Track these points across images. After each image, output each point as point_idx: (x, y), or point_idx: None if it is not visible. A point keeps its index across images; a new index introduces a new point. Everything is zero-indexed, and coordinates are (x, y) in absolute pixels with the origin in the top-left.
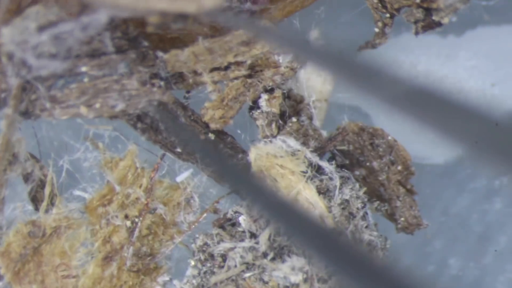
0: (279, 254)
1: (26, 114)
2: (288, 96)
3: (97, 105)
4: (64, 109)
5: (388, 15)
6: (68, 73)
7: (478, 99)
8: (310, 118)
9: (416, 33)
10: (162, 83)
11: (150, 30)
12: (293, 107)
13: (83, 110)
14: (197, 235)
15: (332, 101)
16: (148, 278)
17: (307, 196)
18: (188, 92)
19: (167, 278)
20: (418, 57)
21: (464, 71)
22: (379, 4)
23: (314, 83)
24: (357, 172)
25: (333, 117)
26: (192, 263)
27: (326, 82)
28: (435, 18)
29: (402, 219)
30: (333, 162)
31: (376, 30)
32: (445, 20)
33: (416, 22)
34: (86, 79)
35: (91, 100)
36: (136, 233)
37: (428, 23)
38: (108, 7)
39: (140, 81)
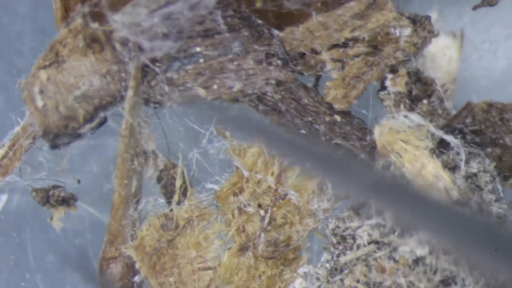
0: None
1: (147, 100)
2: (417, 79)
3: (215, 86)
4: (182, 92)
5: None
6: (182, 54)
7: None
8: (441, 100)
9: None
10: (279, 61)
11: (259, 5)
12: (423, 90)
13: (201, 91)
14: (330, 220)
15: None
16: (288, 269)
17: (431, 170)
18: (316, 79)
19: (307, 270)
20: None
21: None
22: None
23: (440, 62)
24: (489, 150)
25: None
26: (325, 246)
27: (452, 61)
28: None
29: None
30: (460, 137)
31: None
32: None
33: None
34: (201, 60)
35: (208, 81)
36: (267, 218)
37: None
38: None
39: (256, 60)
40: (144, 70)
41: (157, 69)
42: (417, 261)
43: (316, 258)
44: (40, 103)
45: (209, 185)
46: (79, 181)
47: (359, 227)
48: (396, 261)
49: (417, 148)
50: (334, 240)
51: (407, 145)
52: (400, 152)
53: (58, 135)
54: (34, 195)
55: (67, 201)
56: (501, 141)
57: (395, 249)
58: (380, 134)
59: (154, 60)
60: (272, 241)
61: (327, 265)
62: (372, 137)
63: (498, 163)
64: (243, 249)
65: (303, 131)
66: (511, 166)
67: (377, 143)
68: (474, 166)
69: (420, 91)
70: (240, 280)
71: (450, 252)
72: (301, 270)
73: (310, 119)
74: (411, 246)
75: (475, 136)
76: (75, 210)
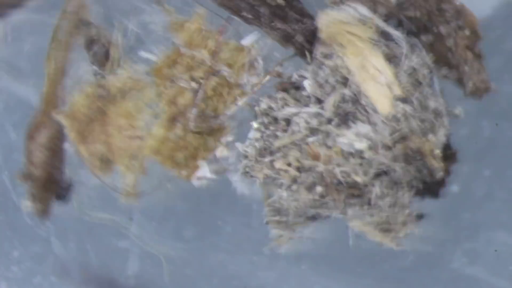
0: (344, 120)
1: None
2: None
3: None
4: None
5: None
6: None
7: None
8: None
9: None
10: None
11: None
12: None
13: None
14: (261, 98)
15: None
16: (212, 139)
17: (374, 62)
18: None
19: (230, 139)
20: None
21: None
22: None
23: None
24: (423, 38)
25: None
26: (255, 125)
27: None
28: None
29: (470, 83)
30: (401, 29)
31: None
32: None
33: None
34: None
35: None
36: (201, 94)
37: None
38: None
39: None
40: None
41: None
42: (353, 154)
43: (238, 128)
44: None
45: (144, 54)
46: None
47: (297, 113)
48: (328, 148)
49: (361, 40)
50: (266, 120)
51: (352, 36)
52: (345, 43)
53: None
54: None
55: None
56: (435, 29)
57: (328, 136)
58: (325, 24)
59: None
60: (201, 114)
61: (256, 144)
62: (311, 21)
63: (430, 51)
64: (172, 120)
65: (244, 13)
66: (442, 55)
67: (321, 33)
68: (414, 59)
69: None
70: (167, 150)
71: (389, 148)
72: (224, 140)
73: (256, 2)
74: (349, 138)
75: (410, 23)
76: None
